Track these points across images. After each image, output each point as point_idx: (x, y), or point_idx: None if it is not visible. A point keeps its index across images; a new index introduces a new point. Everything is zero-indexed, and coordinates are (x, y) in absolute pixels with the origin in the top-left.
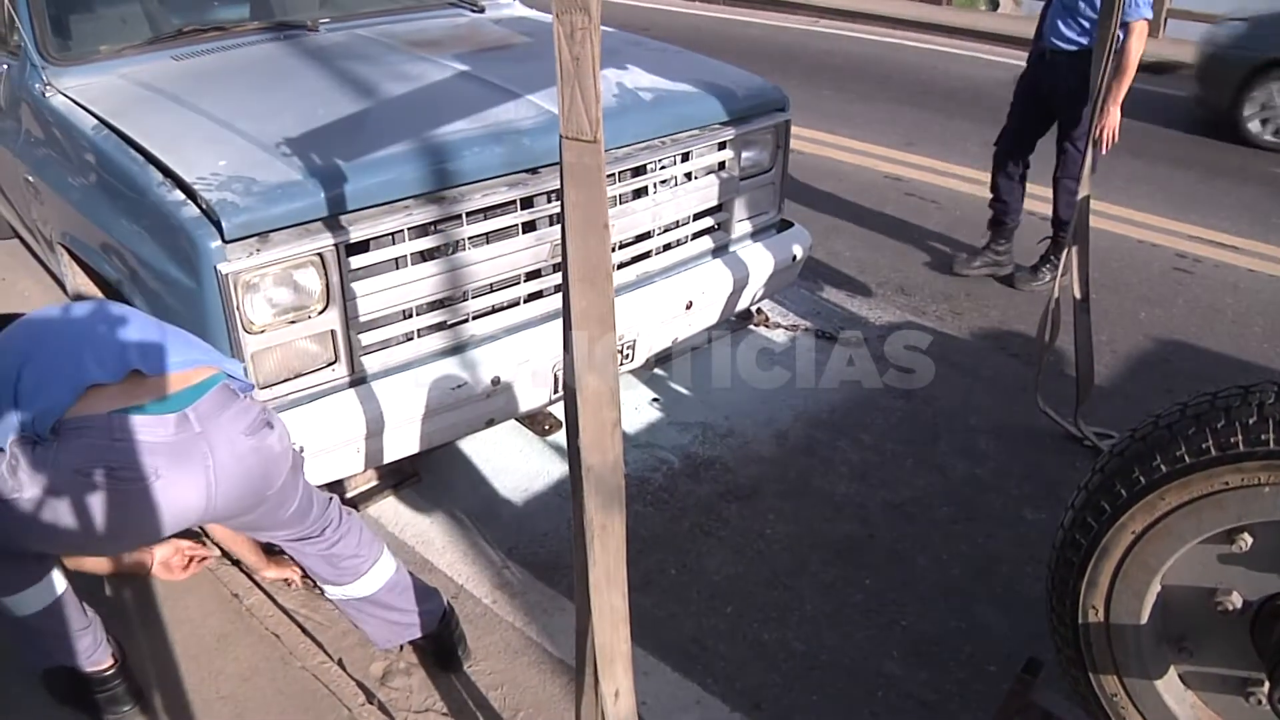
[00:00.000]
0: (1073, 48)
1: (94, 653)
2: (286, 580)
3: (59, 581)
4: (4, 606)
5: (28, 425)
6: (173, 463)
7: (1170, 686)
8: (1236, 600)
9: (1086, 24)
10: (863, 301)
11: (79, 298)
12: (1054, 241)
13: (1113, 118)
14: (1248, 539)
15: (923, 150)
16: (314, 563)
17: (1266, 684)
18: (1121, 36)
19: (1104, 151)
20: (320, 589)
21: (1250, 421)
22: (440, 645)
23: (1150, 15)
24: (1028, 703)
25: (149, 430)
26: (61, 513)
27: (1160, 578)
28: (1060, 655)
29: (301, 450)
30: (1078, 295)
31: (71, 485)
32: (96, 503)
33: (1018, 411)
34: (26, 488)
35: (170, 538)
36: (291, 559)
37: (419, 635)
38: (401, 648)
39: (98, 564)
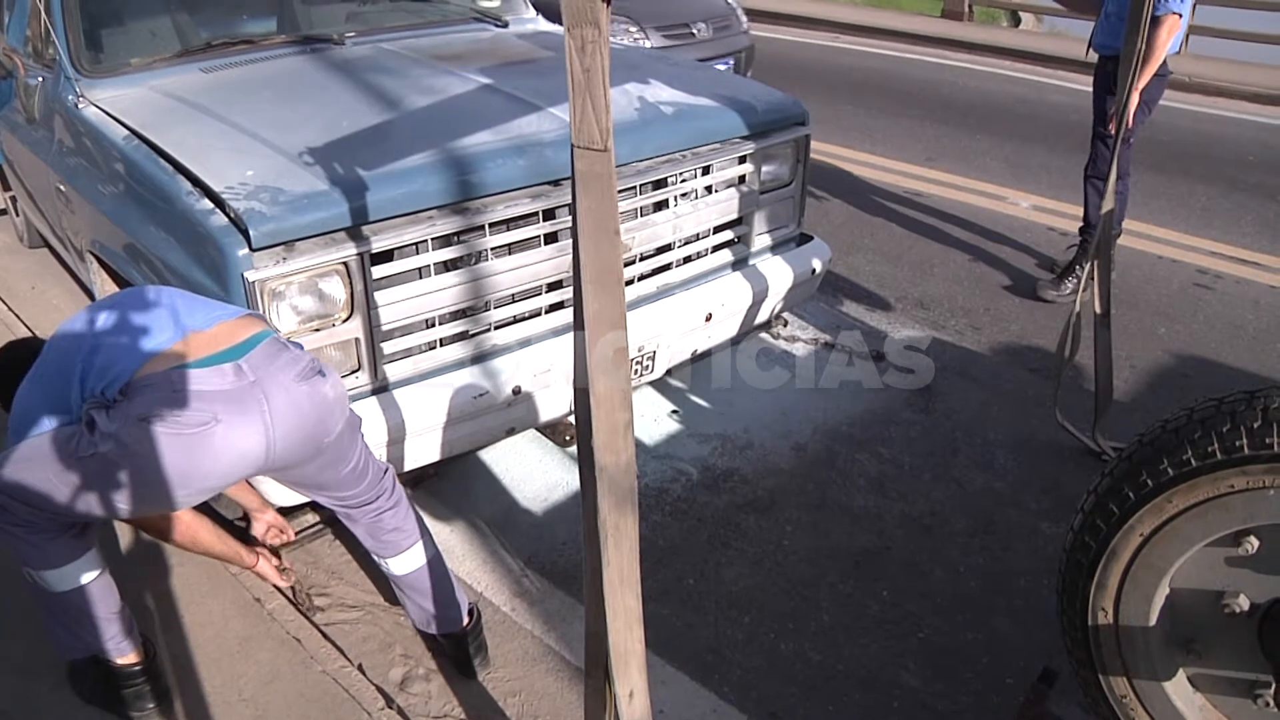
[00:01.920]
0: (1114, 52)
1: (122, 642)
2: (274, 538)
3: (97, 562)
4: (43, 581)
5: (99, 393)
6: (230, 409)
7: (1179, 688)
8: (1244, 603)
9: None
10: (882, 315)
11: None
12: (1081, 247)
13: (1130, 103)
14: (1254, 541)
15: (943, 166)
16: (361, 531)
17: (1273, 686)
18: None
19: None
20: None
21: (1255, 425)
22: (459, 650)
23: (1183, 11)
24: (1042, 713)
25: (206, 380)
26: (132, 462)
27: (1168, 580)
28: (1071, 657)
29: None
30: (1098, 310)
31: (139, 434)
32: (162, 448)
33: (1036, 426)
34: (101, 443)
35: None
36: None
37: (435, 631)
38: (422, 652)
39: (210, 543)
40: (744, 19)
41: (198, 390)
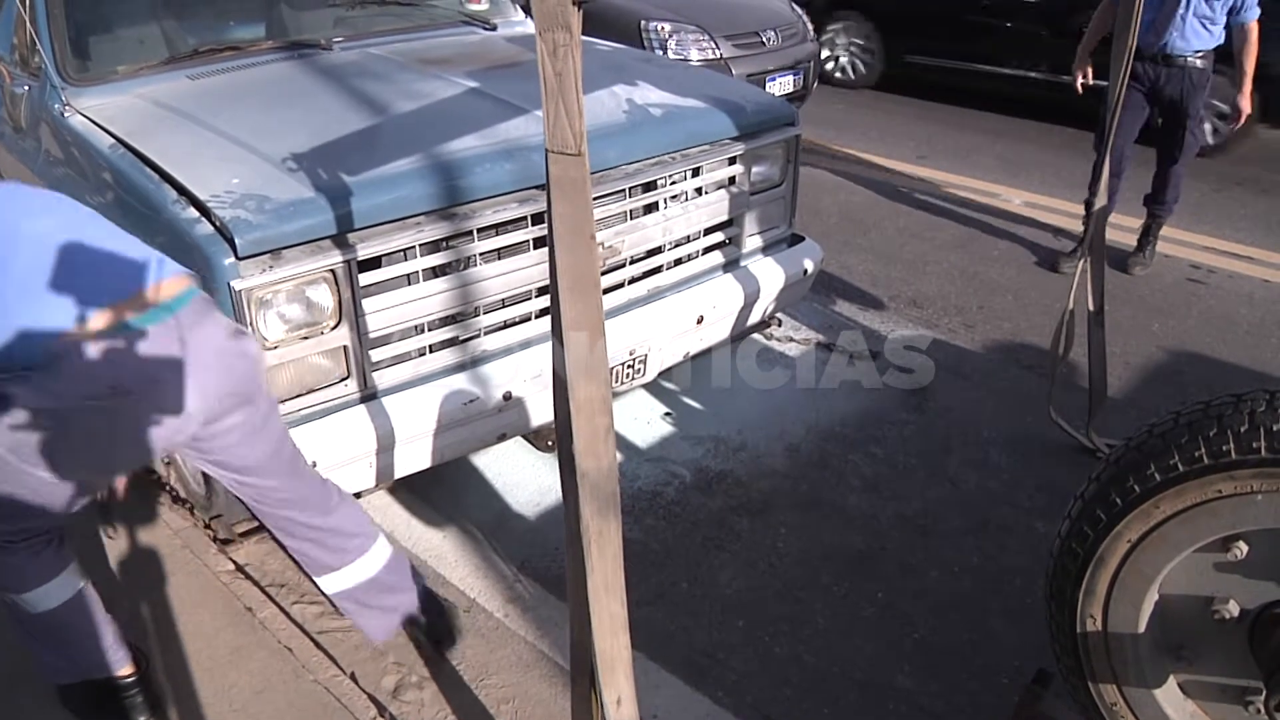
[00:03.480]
0: (1198, 51)
1: (114, 655)
2: None
3: (79, 575)
4: (24, 604)
5: (15, 363)
6: (170, 370)
7: (1169, 695)
8: (1233, 609)
9: (1213, 28)
10: (875, 314)
11: None
12: (1151, 215)
13: (1247, 103)
14: (1243, 547)
15: (935, 164)
16: (315, 549)
17: (1264, 692)
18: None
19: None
20: (315, 582)
21: (1242, 430)
22: (435, 622)
23: (1259, 13)
24: (1037, 714)
25: (143, 343)
26: (70, 439)
27: (1157, 586)
28: (1060, 664)
29: (314, 464)
30: (1092, 307)
31: (77, 410)
32: (105, 421)
33: (1030, 423)
34: (25, 418)
35: None
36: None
37: (418, 612)
38: (414, 660)
39: None
40: (810, 28)
41: (136, 354)
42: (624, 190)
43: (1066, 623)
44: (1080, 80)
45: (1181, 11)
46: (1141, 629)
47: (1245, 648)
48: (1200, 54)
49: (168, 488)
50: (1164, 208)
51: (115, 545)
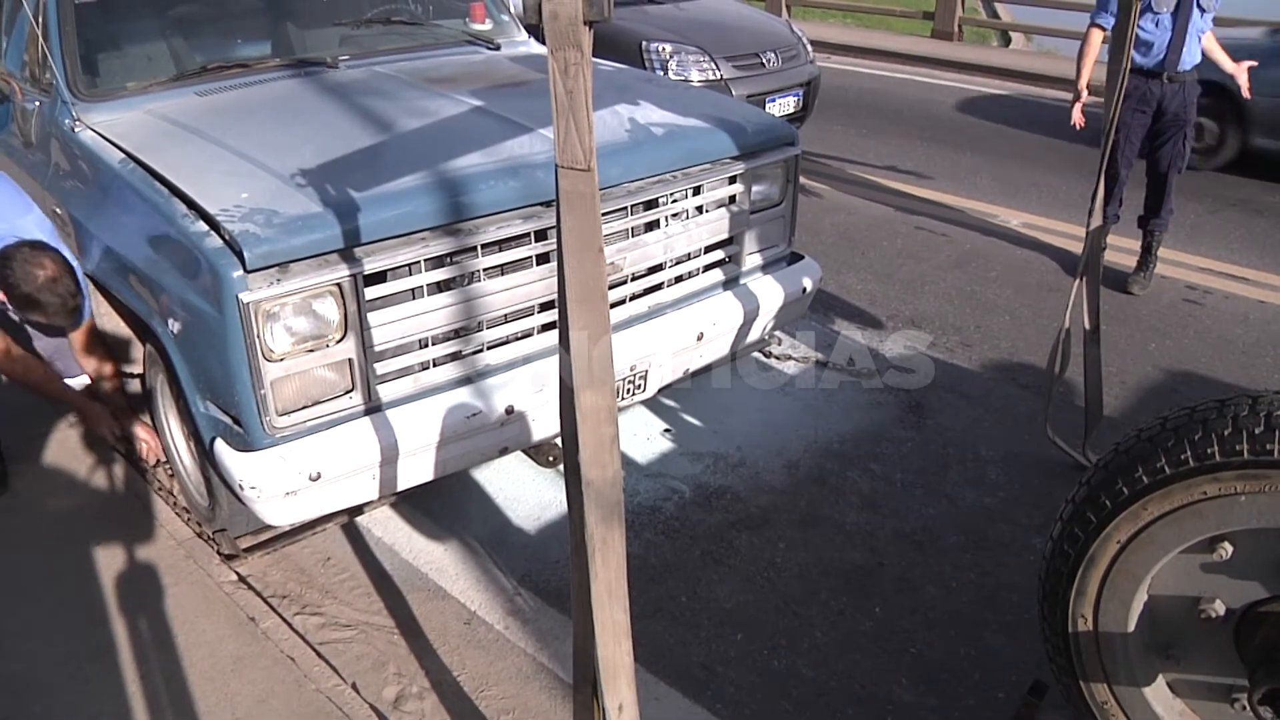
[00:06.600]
0: (1194, 65)
1: None
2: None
3: None
4: None
5: None
6: None
7: (1158, 694)
8: (1219, 608)
9: (1200, 42)
10: (874, 334)
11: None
12: (1149, 234)
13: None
14: (1228, 547)
15: (933, 184)
16: None
17: (1249, 689)
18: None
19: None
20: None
21: (1226, 433)
22: None
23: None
24: None
25: None
26: None
27: (1146, 587)
28: (1052, 665)
29: (318, 475)
30: (1087, 326)
31: None
32: None
33: (1027, 442)
34: None
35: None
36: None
37: None
38: (415, 670)
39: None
40: (810, 49)
41: None
42: (626, 208)
43: (1059, 623)
44: (1080, 114)
45: (1187, 31)
46: (1131, 629)
47: (1231, 646)
48: (1195, 67)
49: (171, 499)
50: (1162, 221)
51: (118, 555)
